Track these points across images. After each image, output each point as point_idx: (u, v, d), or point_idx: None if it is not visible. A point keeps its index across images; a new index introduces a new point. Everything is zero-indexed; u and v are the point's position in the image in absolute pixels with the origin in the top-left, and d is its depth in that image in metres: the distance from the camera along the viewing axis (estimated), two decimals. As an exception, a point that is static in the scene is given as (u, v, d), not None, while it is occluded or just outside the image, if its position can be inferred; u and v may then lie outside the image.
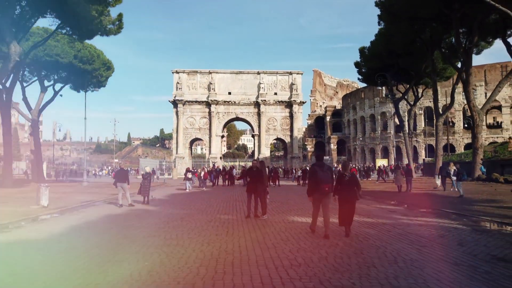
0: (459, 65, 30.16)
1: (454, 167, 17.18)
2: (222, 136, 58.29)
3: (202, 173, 25.85)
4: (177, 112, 51.82)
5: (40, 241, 7.46)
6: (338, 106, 78.52)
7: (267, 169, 23.36)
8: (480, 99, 46.17)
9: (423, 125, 55.76)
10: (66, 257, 5.93)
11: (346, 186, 7.59)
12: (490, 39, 29.64)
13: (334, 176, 8.29)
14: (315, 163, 7.78)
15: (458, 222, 9.58)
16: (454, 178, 17.02)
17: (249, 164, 23.86)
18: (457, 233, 8.09)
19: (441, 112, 33.42)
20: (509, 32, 26.55)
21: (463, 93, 33.77)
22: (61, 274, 5.00)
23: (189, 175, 23.30)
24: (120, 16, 26.19)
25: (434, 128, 37.28)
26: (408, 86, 36.25)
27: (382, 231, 8.27)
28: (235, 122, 76.63)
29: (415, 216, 10.89)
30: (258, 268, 5.24)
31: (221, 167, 36.66)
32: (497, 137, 49.11)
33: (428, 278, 4.71)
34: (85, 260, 5.74)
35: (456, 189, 16.48)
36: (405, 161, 41.35)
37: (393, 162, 49.78)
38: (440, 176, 19.79)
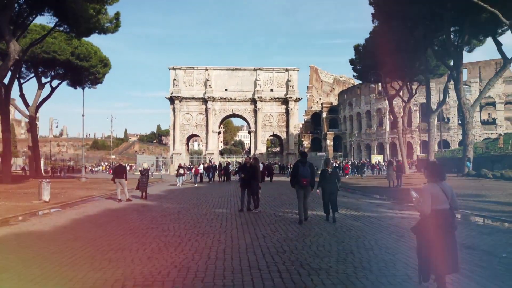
0: (451, 63, 30.71)
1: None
2: (219, 133, 58.71)
3: (193, 169, 26.51)
4: (174, 109, 52.16)
5: (45, 233, 7.96)
6: (335, 103, 79.06)
7: (261, 165, 23.92)
8: (475, 95, 46.76)
9: (418, 121, 56.44)
10: (72, 247, 6.45)
11: (329, 180, 8.67)
12: (482, 38, 30.19)
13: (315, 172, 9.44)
14: (299, 159, 8.90)
15: (439, 215, 10.16)
16: None
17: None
18: (436, 224, 8.67)
19: (435, 108, 34.02)
20: (499, 31, 27.16)
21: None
22: (68, 261, 5.52)
23: (181, 171, 23.92)
24: (117, 14, 26.51)
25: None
26: (402, 83, 36.80)
27: (365, 223, 8.85)
28: (232, 118, 77.02)
29: (400, 209, 11.48)
30: (247, 254, 5.80)
31: (217, 164, 37.19)
32: (491, 133, 49.90)
33: (397, 262, 5.28)
34: (90, 249, 6.26)
35: None
36: (400, 157, 41.96)
37: (387, 158, 50.46)
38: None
